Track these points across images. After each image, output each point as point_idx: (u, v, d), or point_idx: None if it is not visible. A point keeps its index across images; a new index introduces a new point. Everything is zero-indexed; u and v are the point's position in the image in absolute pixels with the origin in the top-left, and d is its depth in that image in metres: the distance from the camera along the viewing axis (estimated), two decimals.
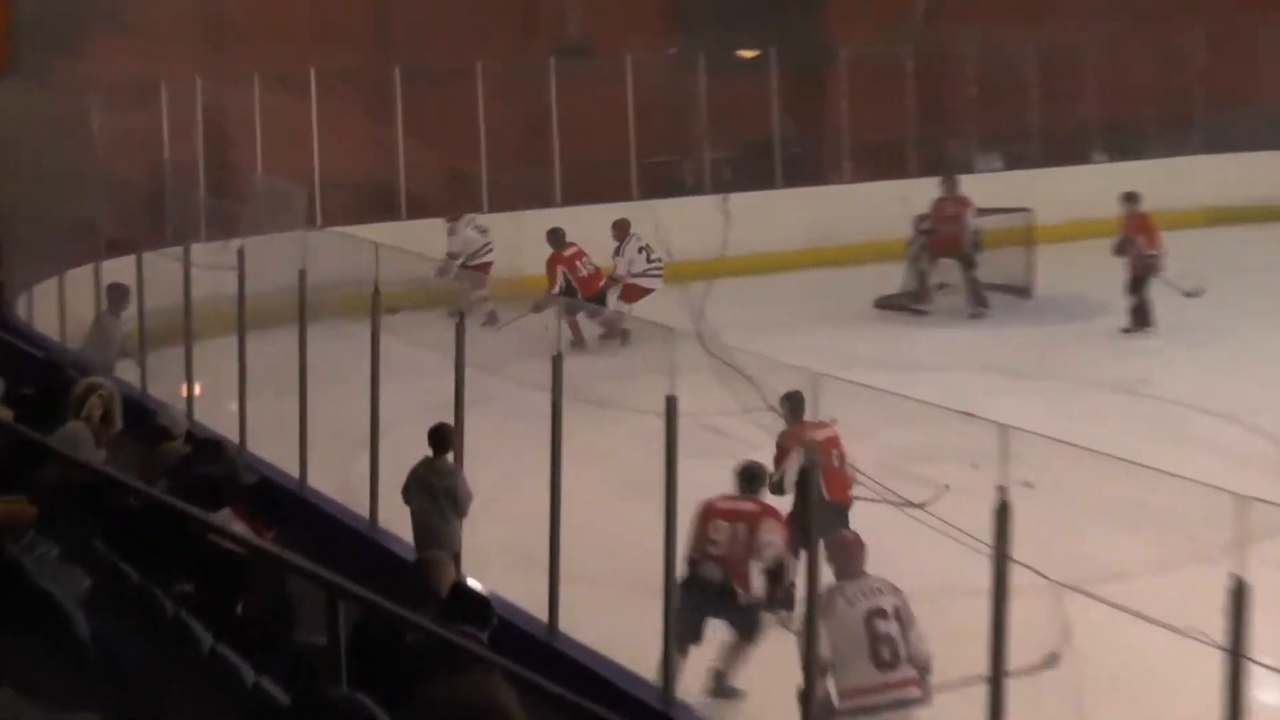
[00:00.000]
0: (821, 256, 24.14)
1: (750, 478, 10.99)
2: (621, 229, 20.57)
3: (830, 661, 8.64)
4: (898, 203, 22.11)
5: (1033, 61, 27.33)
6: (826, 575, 9.23)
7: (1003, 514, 7.78)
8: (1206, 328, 19.34)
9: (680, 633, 9.87)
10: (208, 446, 10.83)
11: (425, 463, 11.52)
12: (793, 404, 11.58)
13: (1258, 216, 26.69)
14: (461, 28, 23.76)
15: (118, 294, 16.57)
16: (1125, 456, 10.51)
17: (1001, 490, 7.79)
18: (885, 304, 21.66)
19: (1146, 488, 10.55)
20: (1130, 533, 12.06)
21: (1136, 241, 20.13)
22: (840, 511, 11.66)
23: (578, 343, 18.25)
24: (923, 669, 8.78)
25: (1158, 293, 19.84)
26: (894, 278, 21.92)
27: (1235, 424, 15.66)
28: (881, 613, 8.75)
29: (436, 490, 11.38)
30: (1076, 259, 23.37)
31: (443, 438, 11.53)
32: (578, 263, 20.30)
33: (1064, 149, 26.80)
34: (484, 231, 21.59)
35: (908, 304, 21.56)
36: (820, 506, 9.91)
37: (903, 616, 8.72)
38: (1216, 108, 28.42)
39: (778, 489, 11.58)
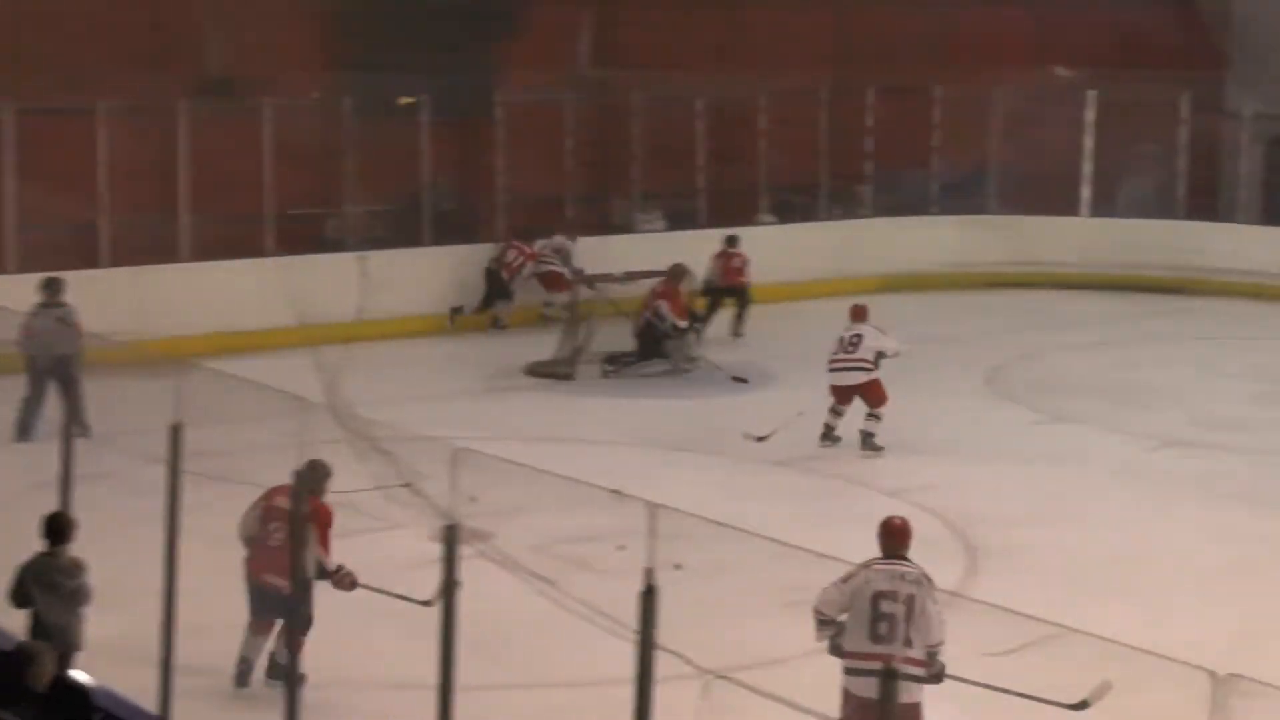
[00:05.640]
0: (480, 320, 24.27)
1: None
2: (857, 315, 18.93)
3: (842, 623, 9.97)
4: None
5: (702, 114, 27.89)
6: None
7: (649, 597, 7.91)
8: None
9: None
10: None
11: (44, 559, 11.06)
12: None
13: (933, 284, 27.67)
14: (85, 62, 23.19)
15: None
16: (790, 536, 10.91)
17: (649, 573, 7.91)
18: (537, 371, 21.85)
19: (806, 570, 10.90)
20: (789, 616, 12.36)
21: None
22: (261, 593, 11.74)
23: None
24: (929, 654, 9.82)
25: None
26: (550, 343, 22.18)
27: (903, 500, 16.16)
28: (891, 595, 9.79)
29: (65, 590, 10.96)
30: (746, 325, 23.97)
31: (62, 527, 11.12)
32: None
33: (732, 209, 27.32)
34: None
35: (559, 371, 21.77)
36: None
37: (914, 605, 9.76)
38: (891, 169, 29.37)
39: None
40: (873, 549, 10.23)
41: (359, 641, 12.21)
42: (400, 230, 25.16)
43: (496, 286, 24.47)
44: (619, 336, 22.16)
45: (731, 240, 24.90)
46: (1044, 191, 29.26)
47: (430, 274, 24.30)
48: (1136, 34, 30.48)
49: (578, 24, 27.93)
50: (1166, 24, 30.96)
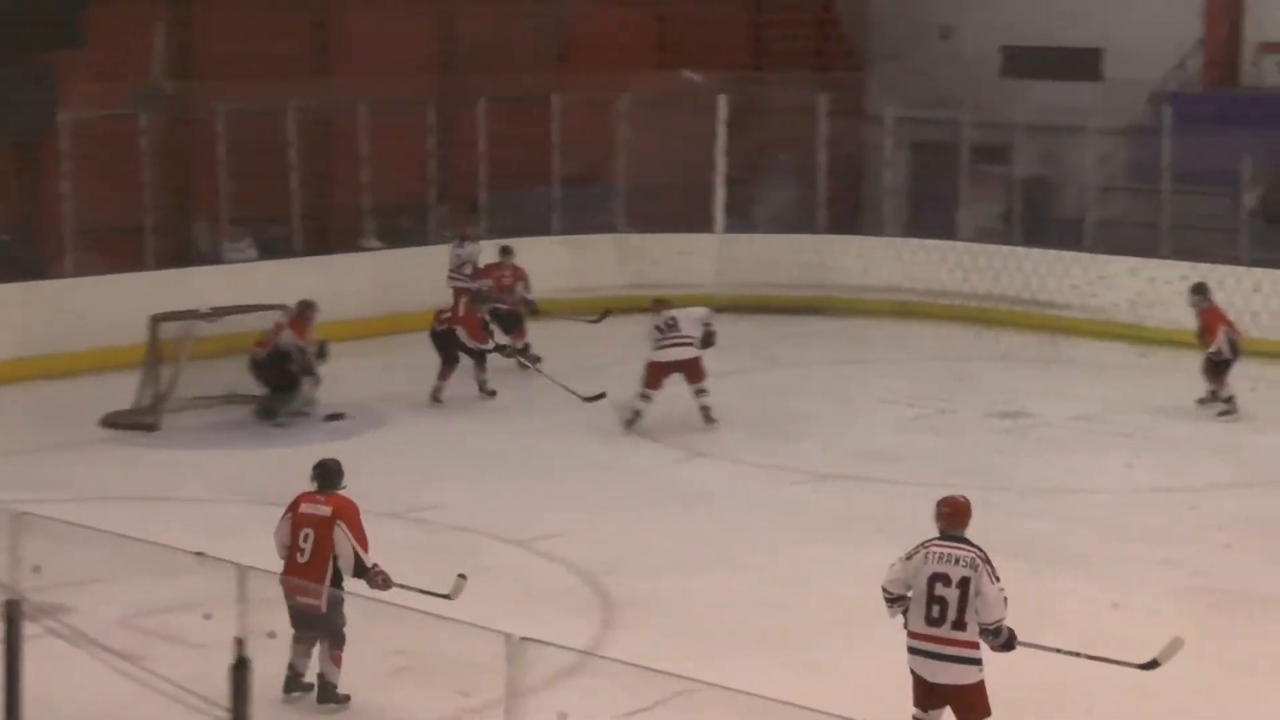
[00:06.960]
0: (39, 367, 23.79)
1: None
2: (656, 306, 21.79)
3: (909, 597, 10.98)
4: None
5: (294, 130, 27.72)
6: None
7: (241, 671, 7.93)
8: (497, 450, 20.29)
9: None
10: None
11: None
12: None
13: (553, 311, 27.77)
14: None
15: None
16: (402, 595, 10.98)
17: (239, 643, 7.94)
18: (115, 422, 21.52)
19: (419, 630, 10.98)
20: (400, 682, 12.42)
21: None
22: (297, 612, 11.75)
23: None
24: (984, 633, 10.84)
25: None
26: (130, 390, 21.86)
27: (531, 550, 16.35)
28: (945, 578, 10.80)
29: None
30: (348, 364, 23.91)
31: None
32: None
33: (332, 234, 27.19)
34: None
35: (141, 421, 21.46)
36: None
37: (968, 589, 10.76)
38: (507, 186, 29.51)
39: None
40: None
41: None
42: None
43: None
44: (212, 379, 21.95)
45: (505, 251, 25.59)
46: (675, 206, 29.68)
47: None
48: (768, 33, 31.22)
49: (149, 29, 27.54)
50: (800, 22, 31.79)
